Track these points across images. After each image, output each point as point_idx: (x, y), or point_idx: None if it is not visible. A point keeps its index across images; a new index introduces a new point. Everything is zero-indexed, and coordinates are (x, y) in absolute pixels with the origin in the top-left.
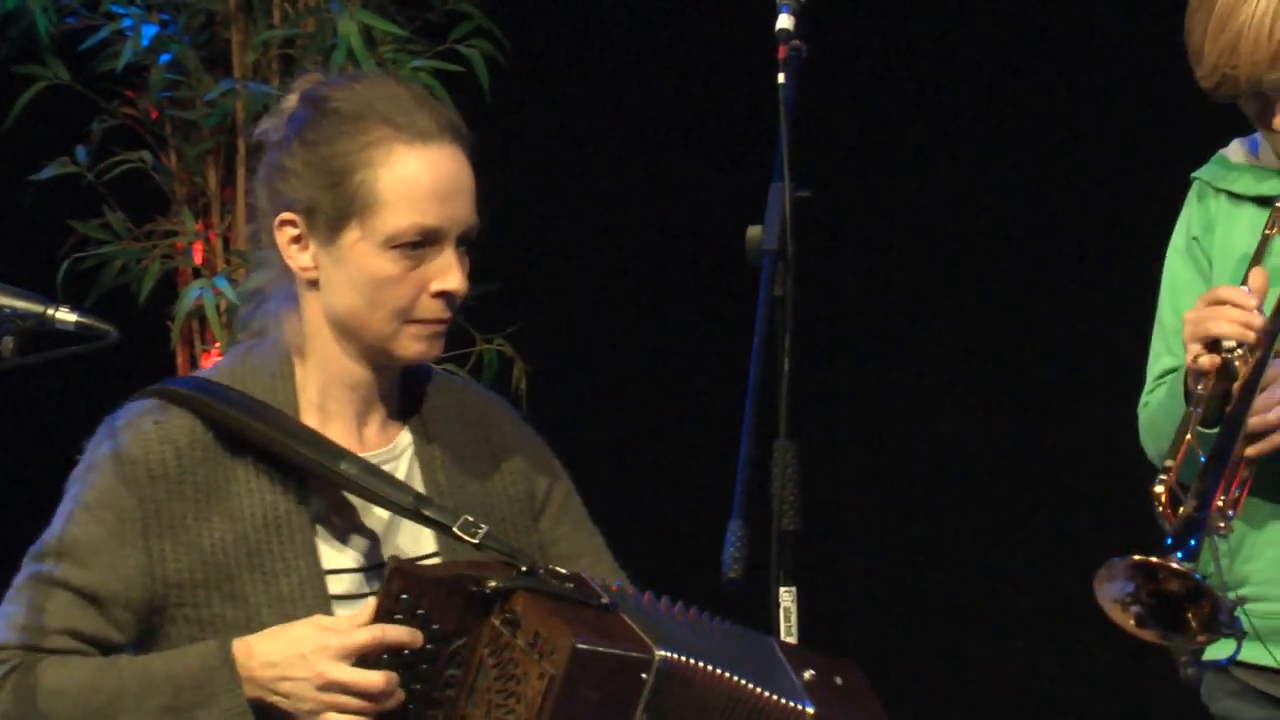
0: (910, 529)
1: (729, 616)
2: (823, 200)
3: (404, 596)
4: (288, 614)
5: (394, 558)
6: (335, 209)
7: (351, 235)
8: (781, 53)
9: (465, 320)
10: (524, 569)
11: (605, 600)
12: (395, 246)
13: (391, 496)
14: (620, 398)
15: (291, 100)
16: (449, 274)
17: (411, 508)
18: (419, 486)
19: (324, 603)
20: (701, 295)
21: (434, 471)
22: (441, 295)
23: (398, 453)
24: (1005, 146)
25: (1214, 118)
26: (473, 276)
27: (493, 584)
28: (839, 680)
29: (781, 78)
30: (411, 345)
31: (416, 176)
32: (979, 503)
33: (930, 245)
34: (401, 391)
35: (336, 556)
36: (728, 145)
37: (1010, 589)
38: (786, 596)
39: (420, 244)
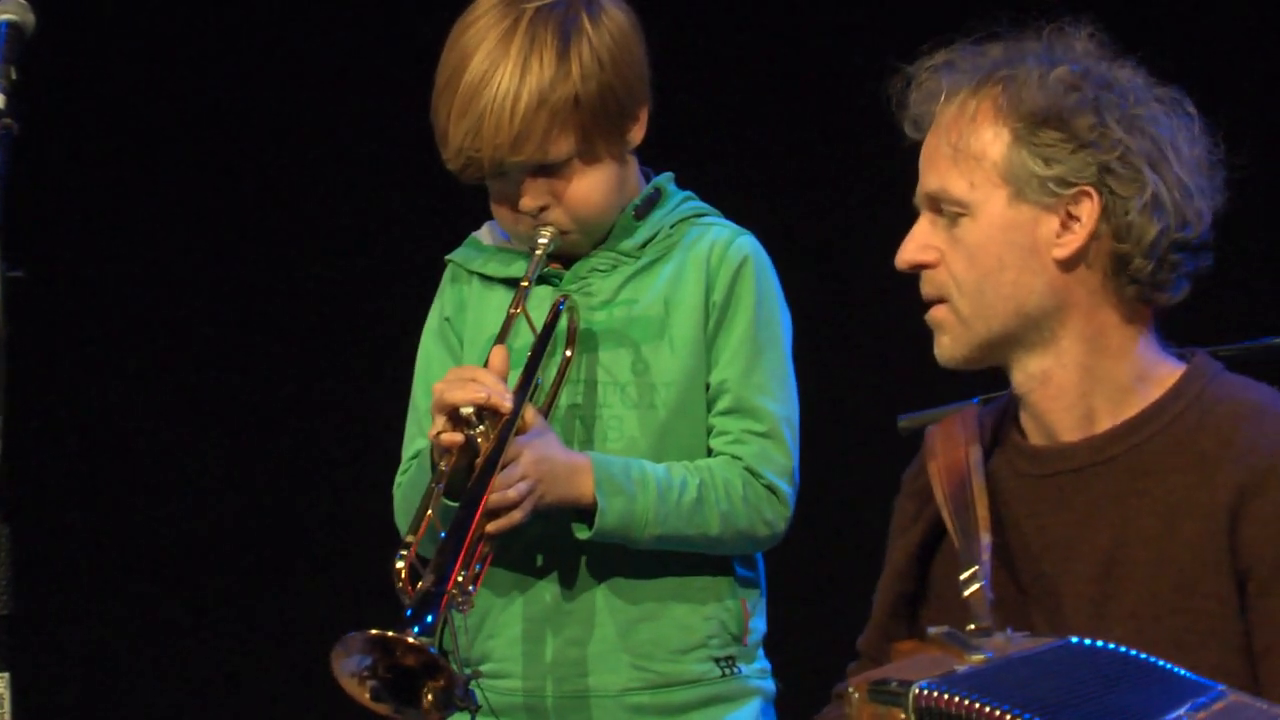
0: (139, 609)
1: None
2: (42, 280)
3: None
4: None
5: None
6: None
7: None
8: None
9: None
10: None
11: None
12: None
13: None
14: None
15: None
16: None
17: None
18: None
19: None
20: None
21: None
22: None
23: None
24: (249, 225)
25: (482, 200)
26: None
27: None
28: None
29: None
30: None
31: None
32: (214, 581)
33: (156, 323)
34: None
35: None
36: None
37: (253, 667)
38: None
39: None
